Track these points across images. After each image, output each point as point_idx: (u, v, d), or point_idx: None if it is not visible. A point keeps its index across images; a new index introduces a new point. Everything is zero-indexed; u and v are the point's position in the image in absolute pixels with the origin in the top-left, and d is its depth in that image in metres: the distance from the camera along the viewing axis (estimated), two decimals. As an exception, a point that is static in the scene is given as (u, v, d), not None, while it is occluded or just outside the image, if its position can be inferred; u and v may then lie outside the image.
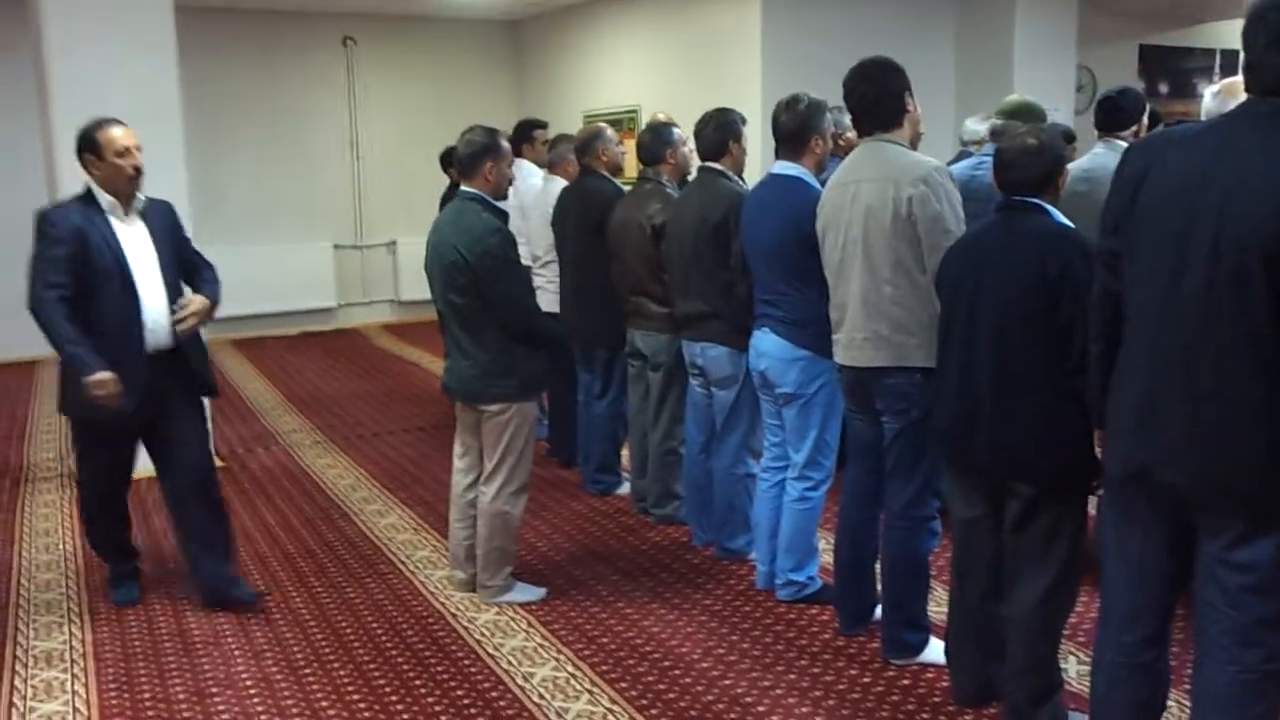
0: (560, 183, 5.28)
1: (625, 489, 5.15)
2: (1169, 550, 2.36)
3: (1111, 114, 4.23)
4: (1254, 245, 2.06)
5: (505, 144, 3.78)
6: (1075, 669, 3.32)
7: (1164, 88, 9.57)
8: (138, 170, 3.65)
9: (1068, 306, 2.62)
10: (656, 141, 4.59)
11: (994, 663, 2.99)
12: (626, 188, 4.88)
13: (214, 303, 3.83)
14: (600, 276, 4.78)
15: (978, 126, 4.88)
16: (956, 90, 8.16)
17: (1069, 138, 4.44)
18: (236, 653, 3.65)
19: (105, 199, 3.65)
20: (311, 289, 10.16)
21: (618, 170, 5.11)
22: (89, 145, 3.62)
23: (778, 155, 3.71)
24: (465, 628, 3.80)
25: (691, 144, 4.37)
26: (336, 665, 3.55)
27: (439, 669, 3.51)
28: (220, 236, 8.47)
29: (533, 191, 5.52)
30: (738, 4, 7.74)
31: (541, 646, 3.66)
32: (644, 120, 7.62)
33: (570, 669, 3.50)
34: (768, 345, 3.69)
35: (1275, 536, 2.16)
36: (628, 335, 4.67)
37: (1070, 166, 3.77)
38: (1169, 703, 2.62)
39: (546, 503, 5.13)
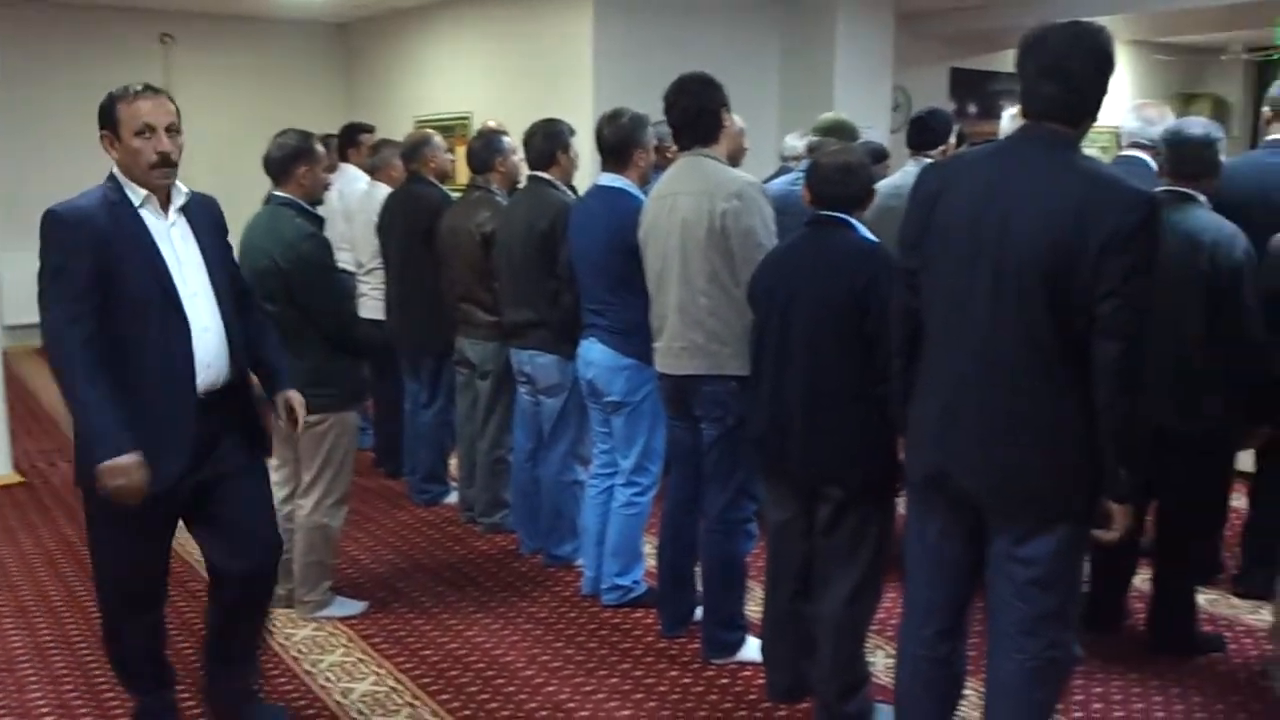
0: (384, 189, 5.21)
1: (453, 498, 5.11)
2: (964, 549, 2.49)
3: (922, 133, 4.43)
4: (1033, 264, 2.21)
5: (320, 148, 3.70)
6: (883, 662, 3.45)
7: (973, 109, 10.10)
8: (163, 158, 2.69)
9: (872, 320, 2.73)
10: (487, 149, 4.59)
11: (806, 659, 3.09)
12: (455, 194, 4.85)
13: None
14: (427, 283, 4.73)
15: (796, 143, 5.03)
16: (781, 107, 8.41)
17: (881, 156, 4.63)
18: (31, 679, 3.45)
19: (136, 192, 2.72)
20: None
21: (445, 177, 5.09)
22: (106, 119, 2.73)
23: (603, 168, 3.76)
24: (281, 645, 3.69)
25: (522, 153, 4.38)
26: (142, 688, 3.39)
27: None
28: (27, 240, 7.97)
29: (357, 196, 5.42)
30: (570, 16, 7.79)
31: (361, 661, 3.59)
32: (476, 127, 7.59)
33: (391, 683, 3.44)
34: (595, 354, 3.72)
35: (1056, 533, 2.32)
36: (456, 343, 4.64)
37: (882, 183, 3.95)
38: (966, 691, 2.76)
39: (371, 514, 5.04)
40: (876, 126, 7.92)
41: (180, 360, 2.71)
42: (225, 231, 3.00)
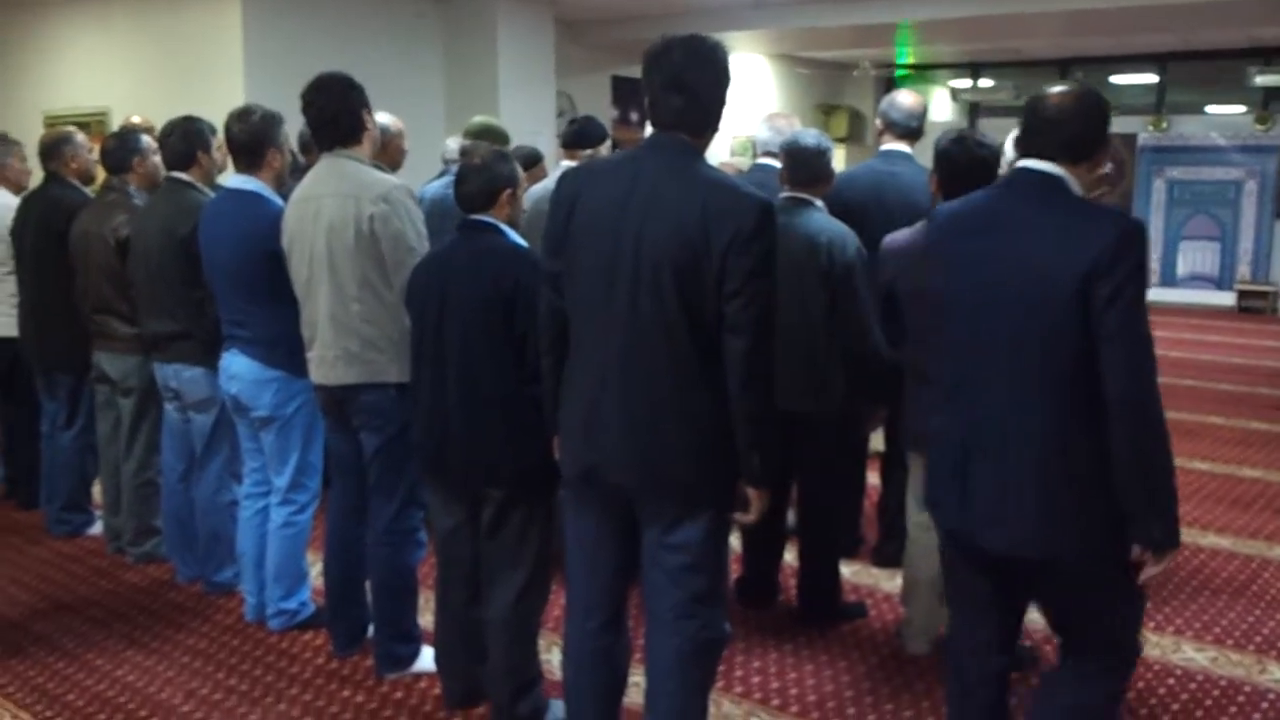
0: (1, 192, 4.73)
1: (97, 528, 4.71)
2: (619, 542, 2.58)
3: (575, 135, 4.56)
4: (664, 261, 2.33)
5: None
6: (558, 659, 3.49)
7: (634, 116, 10.47)
8: None
9: (519, 321, 2.78)
10: (122, 149, 4.29)
11: (480, 664, 3.09)
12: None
13: None
14: (66, 294, 4.35)
15: (455, 145, 5.03)
16: (446, 110, 8.36)
17: (534, 159, 4.71)
18: None
19: None
20: None
21: (89, 178, 4.72)
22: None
23: (235, 169, 3.57)
24: (-108, 707, 3.27)
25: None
26: None
27: None
28: None
29: (-30, 202, 4.88)
30: (216, 4, 7.37)
31: (-9, 715, 3.25)
32: (116, 124, 7.02)
33: (26, 736, 3.13)
34: (239, 367, 3.53)
35: (702, 519, 2.45)
36: (94, 358, 4.28)
37: (535, 187, 4.02)
38: (636, 679, 2.85)
39: (2, 552, 4.57)
40: (543, 132, 8.06)
41: None
42: None
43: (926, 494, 2.49)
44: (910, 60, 13.19)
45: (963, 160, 3.17)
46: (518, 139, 5.13)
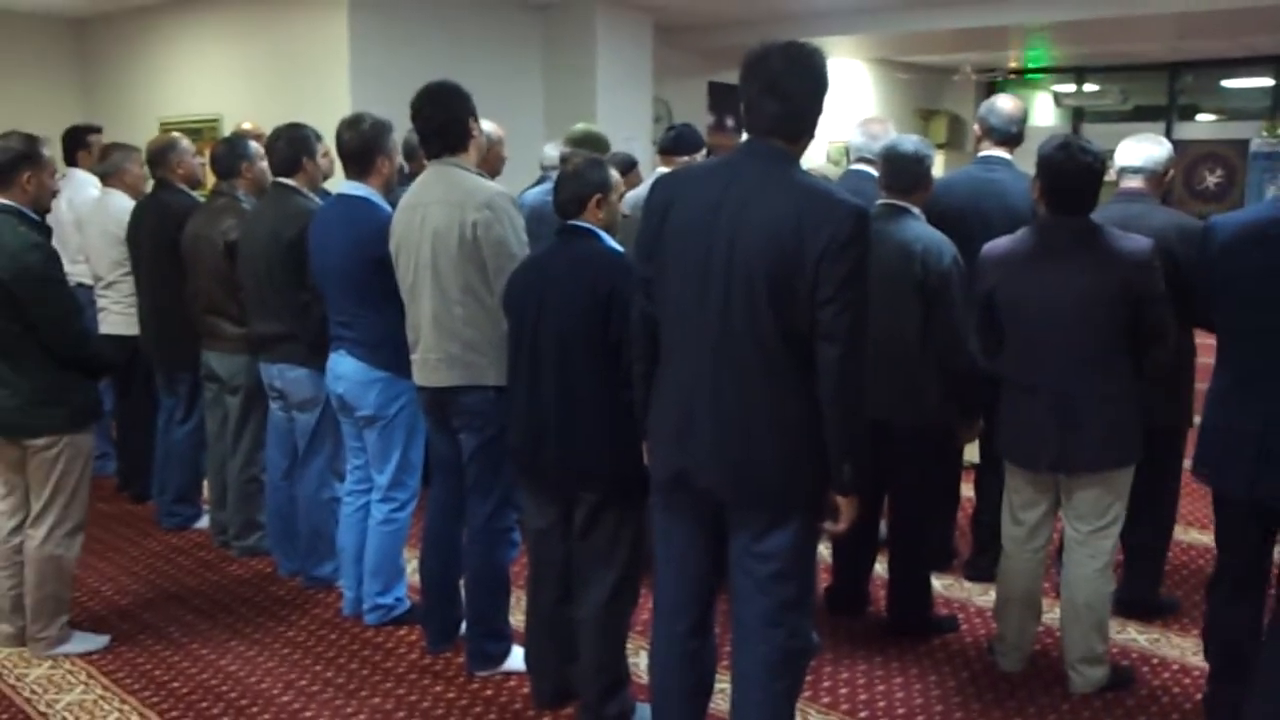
0: (118, 195, 4.92)
1: (204, 522, 4.87)
2: (706, 546, 2.59)
3: (674, 140, 4.60)
4: (758, 268, 2.32)
5: (46, 152, 3.49)
6: (645, 662, 3.50)
7: (730, 122, 10.45)
8: None
9: (616, 326, 2.80)
10: (231, 154, 4.43)
11: (570, 664, 3.12)
12: (209, 202, 4.64)
13: None
14: (181, 296, 4.51)
15: (553, 152, 5.09)
16: (546, 117, 8.45)
17: (628, 165, 4.74)
18: None
19: None
20: None
21: (196, 183, 4.88)
22: None
23: (346, 175, 3.66)
24: (13, 686, 3.42)
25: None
26: None
27: (-25, 737, 3.14)
28: None
29: (88, 204, 5.08)
30: (323, 15, 7.57)
31: (103, 698, 3.38)
32: (227, 130, 7.27)
33: (135, 719, 3.25)
34: (345, 368, 3.63)
35: (791, 527, 2.44)
36: (203, 357, 4.44)
37: (631, 193, 4.05)
38: (721, 685, 2.85)
39: (115, 542, 4.74)
40: (639, 138, 8.10)
41: None
42: None
43: (1202, 465, 2.95)
44: (1017, 65, 12.91)
45: (1068, 168, 3.10)
46: (614, 145, 5.18)
